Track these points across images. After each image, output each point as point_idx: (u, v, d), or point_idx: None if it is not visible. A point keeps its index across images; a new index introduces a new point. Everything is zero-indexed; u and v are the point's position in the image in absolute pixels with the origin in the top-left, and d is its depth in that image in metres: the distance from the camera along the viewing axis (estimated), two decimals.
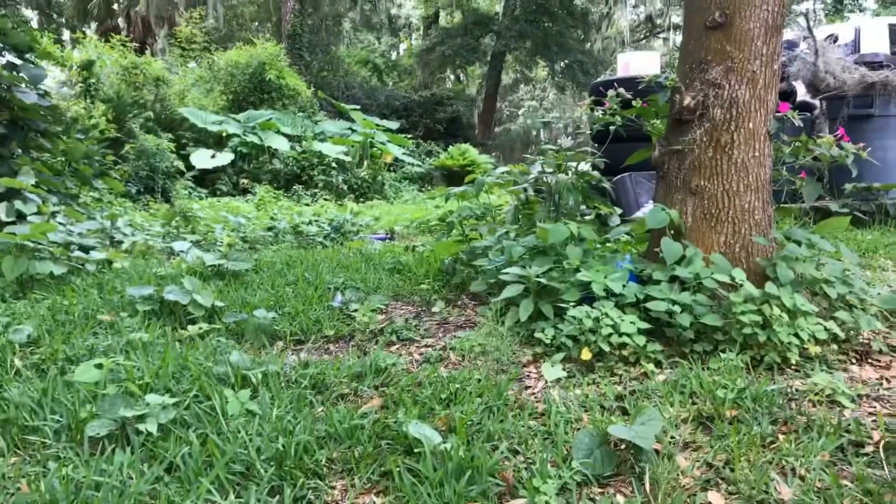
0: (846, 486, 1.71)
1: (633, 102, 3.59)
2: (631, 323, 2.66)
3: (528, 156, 4.60)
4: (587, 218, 4.61)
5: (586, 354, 2.58)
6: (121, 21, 23.90)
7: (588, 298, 2.88)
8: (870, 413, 2.15)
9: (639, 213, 5.07)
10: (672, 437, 2.00)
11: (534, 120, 33.14)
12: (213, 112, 14.83)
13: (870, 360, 2.65)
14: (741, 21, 2.89)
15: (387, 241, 7.00)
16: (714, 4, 2.93)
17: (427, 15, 29.74)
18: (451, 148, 17.79)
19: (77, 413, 2.06)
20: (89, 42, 13.57)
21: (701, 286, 2.76)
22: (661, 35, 29.33)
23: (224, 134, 13.99)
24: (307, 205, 11.65)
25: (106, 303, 3.45)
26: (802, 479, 1.75)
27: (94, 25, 24.21)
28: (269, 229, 6.99)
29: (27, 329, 2.92)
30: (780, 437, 1.97)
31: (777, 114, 3.04)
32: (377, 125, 16.74)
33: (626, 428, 1.85)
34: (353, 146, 14.94)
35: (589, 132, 5.47)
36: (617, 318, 2.67)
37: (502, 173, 4.38)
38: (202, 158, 12.88)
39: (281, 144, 13.95)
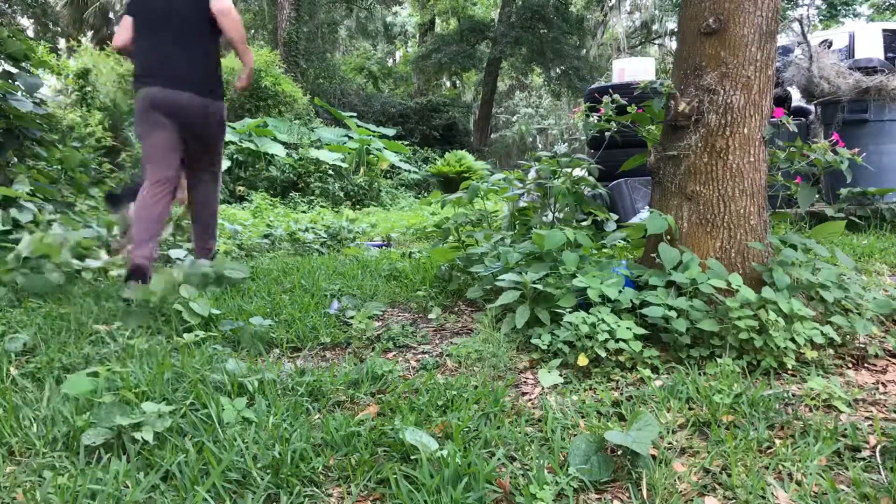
0: (843, 490, 1.71)
1: (629, 108, 3.60)
2: (627, 328, 2.66)
3: (524, 162, 4.62)
4: (583, 224, 4.62)
5: (583, 360, 2.58)
6: (116, 29, 23.94)
7: (584, 304, 2.88)
8: (866, 417, 2.15)
9: (635, 219, 5.08)
10: (669, 443, 2.00)
11: (528, 126, 33.21)
12: None
13: (866, 365, 2.66)
14: (735, 27, 2.90)
15: (383, 247, 7.01)
16: (708, 10, 2.94)
17: (423, 22, 29.85)
18: (447, 154, 17.83)
19: (73, 422, 2.05)
20: (85, 51, 13.58)
21: (697, 291, 2.77)
22: (657, 41, 29.45)
23: None
24: (304, 212, 11.65)
25: (102, 311, 3.44)
26: (799, 483, 1.75)
27: (89, 34, 24.25)
28: (266, 236, 6.98)
29: (23, 338, 2.91)
30: (777, 441, 1.97)
31: (772, 119, 3.05)
32: (373, 132, 16.76)
33: (622, 434, 1.85)
34: (349, 153, 14.96)
35: (584, 138, 5.48)
36: (613, 323, 2.67)
37: (498, 180, 4.39)
38: None
39: (277, 151, 13.95)
